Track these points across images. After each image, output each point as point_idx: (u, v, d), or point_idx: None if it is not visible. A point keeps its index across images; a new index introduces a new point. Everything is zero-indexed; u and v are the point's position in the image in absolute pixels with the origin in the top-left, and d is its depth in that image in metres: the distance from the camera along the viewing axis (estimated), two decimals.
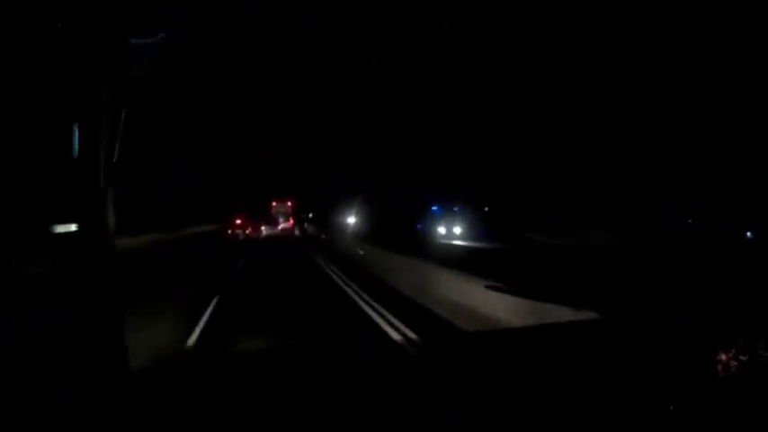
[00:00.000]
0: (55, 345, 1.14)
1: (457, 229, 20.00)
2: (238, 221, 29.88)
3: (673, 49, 11.24)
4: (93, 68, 1.48)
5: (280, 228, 33.03)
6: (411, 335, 4.66)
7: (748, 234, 10.58)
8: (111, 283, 1.33)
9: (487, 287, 5.21)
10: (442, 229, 20.50)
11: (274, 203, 35.11)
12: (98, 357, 1.25)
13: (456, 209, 22.89)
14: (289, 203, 35.30)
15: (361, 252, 14.02)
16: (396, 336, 4.69)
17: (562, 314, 3.30)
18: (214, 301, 6.50)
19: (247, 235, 28.73)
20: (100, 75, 1.48)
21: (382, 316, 5.55)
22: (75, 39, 1.40)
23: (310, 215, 38.65)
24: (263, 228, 31.12)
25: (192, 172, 30.53)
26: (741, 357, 1.34)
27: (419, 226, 23.11)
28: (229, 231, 28.73)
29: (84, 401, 1.18)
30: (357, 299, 6.90)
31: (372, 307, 6.13)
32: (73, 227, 1.29)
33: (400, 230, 18.88)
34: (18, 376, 1.09)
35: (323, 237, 27.23)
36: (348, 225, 27.84)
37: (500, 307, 4.78)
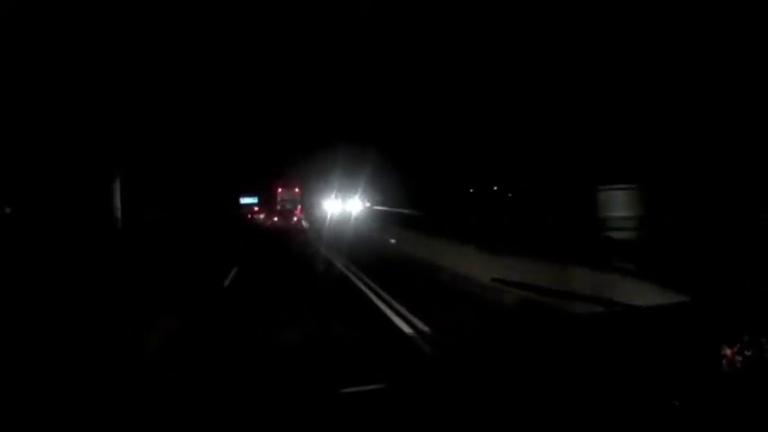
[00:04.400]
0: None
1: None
2: (256, 208, 36.72)
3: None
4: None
5: (294, 219, 29.72)
6: None
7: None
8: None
9: None
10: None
11: (280, 189, 32.30)
12: None
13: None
14: (296, 189, 32.45)
15: None
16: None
17: None
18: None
19: (262, 219, 32.75)
20: None
21: None
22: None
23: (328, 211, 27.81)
24: (272, 216, 32.66)
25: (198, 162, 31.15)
26: (746, 353, 1.36)
27: None
28: (250, 216, 35.03)
29: None
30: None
31: None
32: None
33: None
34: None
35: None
36: (350, 214, 23.01)
37: None
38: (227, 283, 8.65)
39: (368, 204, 24.47)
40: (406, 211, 20.26)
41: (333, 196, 25.23)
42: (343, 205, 24.32)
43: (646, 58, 11.77)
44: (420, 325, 5.48)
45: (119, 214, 16.87)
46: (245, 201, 42.36)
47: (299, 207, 31.67)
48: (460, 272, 8.57)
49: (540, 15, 13.82)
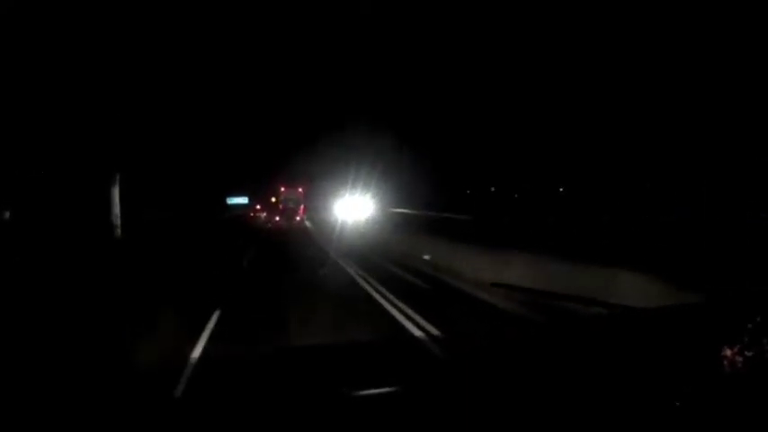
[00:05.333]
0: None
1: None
2: (258, 207, 40.13)
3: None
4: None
5: (296, 219, 29.89)
6: None
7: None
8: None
9: None
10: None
11: (283, 189, 32.11)
12: None
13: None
14: (300, 189, 32.25)
15: None
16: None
17: None
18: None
19: (263, 219, 34.82)
20: None
21: None
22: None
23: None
24: (274, 216, 33.35)
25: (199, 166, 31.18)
26: (746, 353, 1.35)
27: None
28: (252, 214, 38.50)
29: None
30: None
31: None
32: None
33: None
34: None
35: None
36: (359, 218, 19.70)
37: None
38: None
39: (376, 206, 21.54)
40: (431, 213, 19.36)
41: (344, 197, 21.39)
42: (355, 207, 20.89)
43: (647, 61, 11.78)
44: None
45: (118, 221, 16.61)
46: (232, 201, 41.05)
47: (302, 207, 31.58)
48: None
49: (541, 15, 13.82)
